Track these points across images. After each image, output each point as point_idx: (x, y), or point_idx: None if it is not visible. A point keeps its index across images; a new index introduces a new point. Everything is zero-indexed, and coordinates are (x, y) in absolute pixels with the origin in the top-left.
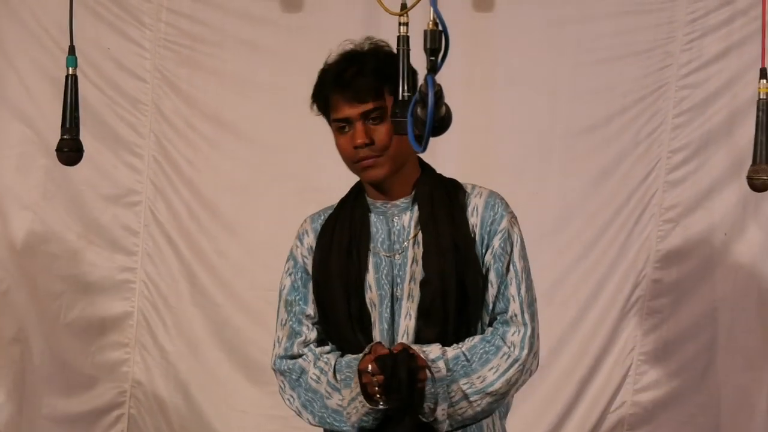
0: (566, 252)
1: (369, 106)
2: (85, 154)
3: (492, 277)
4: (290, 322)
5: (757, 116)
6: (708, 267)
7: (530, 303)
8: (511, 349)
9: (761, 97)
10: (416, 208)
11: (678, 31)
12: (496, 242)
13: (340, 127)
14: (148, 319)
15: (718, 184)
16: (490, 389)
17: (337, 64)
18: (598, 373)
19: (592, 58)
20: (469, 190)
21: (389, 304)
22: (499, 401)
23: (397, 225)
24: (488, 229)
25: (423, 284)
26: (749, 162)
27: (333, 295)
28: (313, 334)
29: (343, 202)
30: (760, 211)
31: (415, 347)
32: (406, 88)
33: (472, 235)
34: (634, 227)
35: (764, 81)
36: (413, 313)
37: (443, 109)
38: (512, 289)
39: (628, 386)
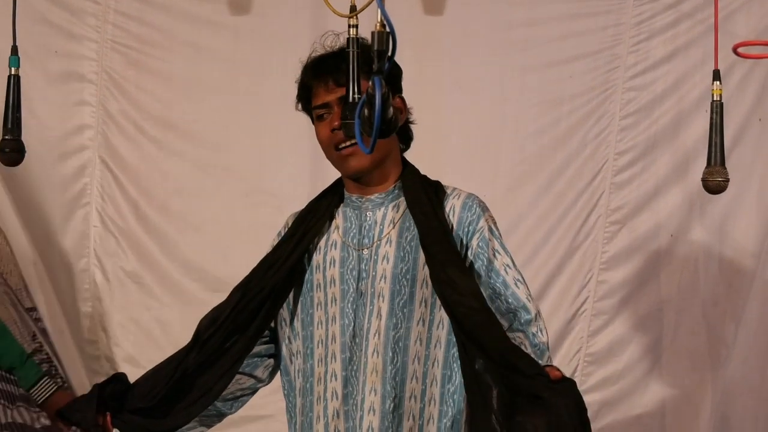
0: (514, 254)
1: None
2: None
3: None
4: None
5: (711, 118)
6: (653, 268)
7: (532, 295)
8: (545, 350)
9: (714, 98)
10: (391, 205)
11: (625, 33)
12: (475, 242)
13: (319, 115)
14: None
15: (664, 186)
16: None
17: (317, 57)
18: None
19: (540, 60)
20: (449, 191)
21: (352, 299)
22: None
23: (369, 220)
24: (466, 230)
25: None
26: (695, 164)
27: (255, 272)
28: None
29: (321, 194)
30: (705, 213)
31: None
32: (357, 90)
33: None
34: (580, 229)
35: (717, 83)
36: (384, 314)
37: (390, 110)
38: (513, 288)
39: None
